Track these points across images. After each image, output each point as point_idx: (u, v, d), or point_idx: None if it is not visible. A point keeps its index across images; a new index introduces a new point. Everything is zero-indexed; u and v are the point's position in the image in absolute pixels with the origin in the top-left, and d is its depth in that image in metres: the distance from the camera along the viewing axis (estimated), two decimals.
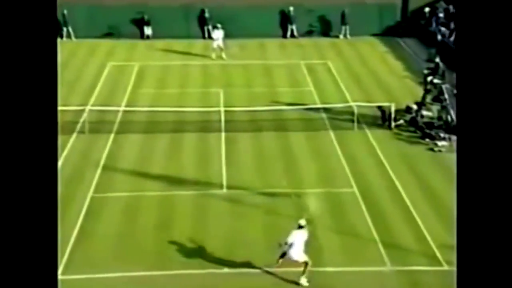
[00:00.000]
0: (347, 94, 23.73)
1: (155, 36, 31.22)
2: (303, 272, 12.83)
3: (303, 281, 12.86)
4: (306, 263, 12.81)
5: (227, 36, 31.08)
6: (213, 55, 27.92)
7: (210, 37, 31.60)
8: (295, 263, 12.83)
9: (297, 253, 12.79)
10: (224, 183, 17.10)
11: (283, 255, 12.93)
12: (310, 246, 14.15)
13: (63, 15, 31.01)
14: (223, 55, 27.83)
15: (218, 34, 28.19)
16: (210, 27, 31.61)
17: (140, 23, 31.51)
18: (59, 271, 13.17)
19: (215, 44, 28.02)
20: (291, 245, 12.72)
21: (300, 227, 12.91)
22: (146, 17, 31.23)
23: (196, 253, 13.93)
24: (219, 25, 28.39)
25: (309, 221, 13.32)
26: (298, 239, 12.77)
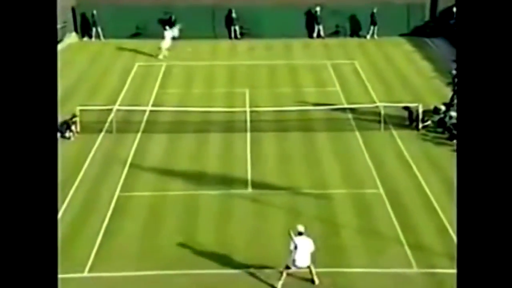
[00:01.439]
0: (373, 95, 23.55)
1: (182, 36, 31.42)
2: (312, 274, 12.61)
3: (279, 284, 12.60)
4: (309, 268, 12.64)
5: (254, 36, 31.14)
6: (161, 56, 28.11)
7: (236, 37, 31.72)
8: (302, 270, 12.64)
9: (304, 260, 12.55)
10: (249, 183, 17.12)
11: (287, 267, 12.65)
12: (335, 247, 14.09)
13: (93, 15, 31.42)
14: (161, 56, 28.03)
15: (172, 33, 28.52)
16: (237, 28, 31.70)
17: (167, 23, 31.74)
18: (86, 269, 13.35)
19: (166, 44, 28.27)
20: (295, 254, 12.46)
21: (300, 233, 12.63)
22: (173, 17, 31.44)
23: (220, 253, 13.97)
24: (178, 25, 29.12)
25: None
26: (301, 245, 12.46)
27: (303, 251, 12.53)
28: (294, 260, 12.56)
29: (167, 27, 28.87)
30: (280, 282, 12.74)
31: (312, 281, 12.82)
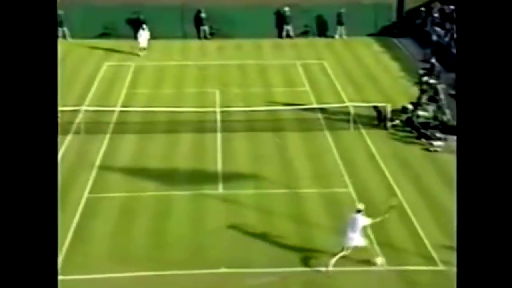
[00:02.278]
0: (343, 94, 23.76)
1: (151, 36, 31.18)
2: (372, 255, 13.24)
3: (379, 260, 13.23)
4: (366, 248, 13.18)
5: (224, 36, 31.12)
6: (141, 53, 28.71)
7: (205, 37, 31.63)
8: (355, 250, 13.12)
9: (357, 239, 13.09)
10: (220, 183, 17.10)
11: (344, 247, 13.18)
12: (308, 247, 14.17)
13: (59, 15, 30.93)
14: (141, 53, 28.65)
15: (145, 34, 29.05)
16: (206, 28, 31.63)
17: (135, 23, 31.47)
18: None
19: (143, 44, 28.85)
20: (351, 231, 13.03)
21: (358, 211, 13.23)
22: (141, 17, 31.19)
23: (192, 253, 13.92)
24: (145, 26, 29.29)
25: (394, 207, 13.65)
26: (357, 224, 13.06)
27: (357, 229, 13.05)
28: (349, 238, 13.02)
29: (144, 26, 29.17)
30: (334, 259, 13.03)
31: (369, 261, 13.27)
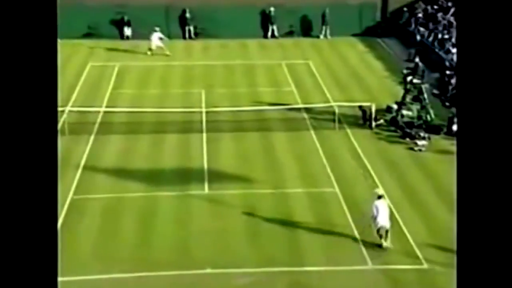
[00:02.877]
0: (328, 94, 23.84)
1: (135, 36, 31.06)
2: (386, 238, 13.84)
3: (388, 243, 13.86)
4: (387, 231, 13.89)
5: (209, 36, 31.07)
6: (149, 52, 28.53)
7: (190, 37, 31.56)
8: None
9: (386, 221, 13.82)
10: (206, 183, 17.08)
11: (378, 230, 13.90)
12: (293, 246, 14.23)
13: None
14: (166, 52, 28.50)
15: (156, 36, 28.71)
16: (191, 28, 31.58)
17: (120, 23, 31.32)
18: None
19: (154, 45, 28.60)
20: (378, 216, 13.72)
21: (379, 197, 14.01)
22: (126, 17, 31.05)
23: (178, 253, 13.89)
24: (157, 28, 28.86)
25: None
26: (382, 208, 13.79)
27: (384, 213, 13.85)
28: (378, 222, 13.79)
29: (156, 29, 28.74)
30: (384, 242, 13.85)
31: (380, 246, 13.91)
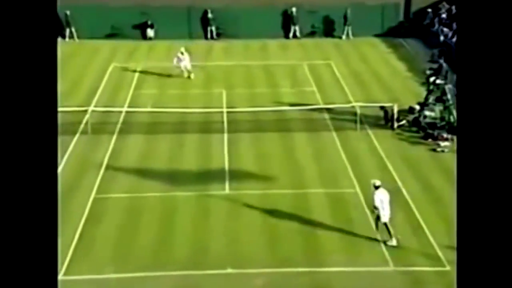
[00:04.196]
0: (349, 95, 23.71)
1: (158, 37, 31.27)
2: (389, 232, 13.83)
3: (393, 239, 13.86)
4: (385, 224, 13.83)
5: (231, 36, 31.15)
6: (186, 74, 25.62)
7: (212, 37, 31.66)
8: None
9: (388, 212, 13.79)
10: (227, 183, 17.10)
11: (378, 221, 13.89)
12: (313, 247, 14.17)
13: (66, 15, 31.07)
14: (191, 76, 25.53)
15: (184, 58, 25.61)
16: (213, 28, 31.68)
17: (143, 24, 31.55)
18: (61, 272, 13.20)
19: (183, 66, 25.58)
20: (381, 207, 13.70)
21: (376, 187, 13.87)
22: (148, 18, 31.26)
23: (198, 253, 13.93)
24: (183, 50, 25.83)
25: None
26: (384, 199, 13.72)
27: (387, 202, 13.83)
28: (384, 215, 13.76)
29: (183, 50, 25.85)
30: (391, 236, 13.85)
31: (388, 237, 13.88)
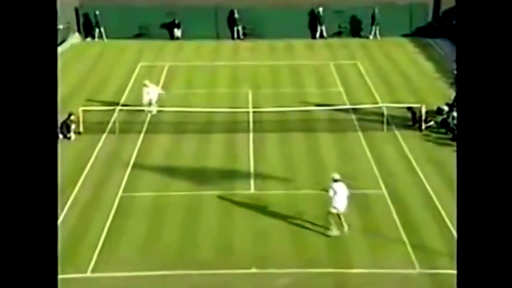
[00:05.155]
0: (376, 95, 23.52)
1: (185, 36, 31.46)
2: (341, 223, 14.14)
3: (346, 226, 14.25)
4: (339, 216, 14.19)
5: (257, 36, 31.18)
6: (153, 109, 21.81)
7: (239, 37, 31.74)
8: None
9: (343, 204, 14.13)
10: (252, 183, 17.11)
11: (332, 213, 14.26)
12: (338, 248, 14.10)
13: (95, 15, 31.47)
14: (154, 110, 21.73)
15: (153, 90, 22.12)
16: (239, 28, 31.74)
17: (170, 23, 31.78)
18: (89, 270, 13.37)
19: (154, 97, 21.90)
20: (335, 197, 14.05)
21: (335, 180, 14.30)
22: (176, 17, 31.48)
23: (223, 253, 13.97)
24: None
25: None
26: (339, 190, 14.07)
27: (341, 195, 14.23)
28: (335, 204, 14.23)
29: (146, 82, 22.31)
30: (333, 227, 14.27)
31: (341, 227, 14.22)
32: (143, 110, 21.74)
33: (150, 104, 21.85)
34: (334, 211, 14.30)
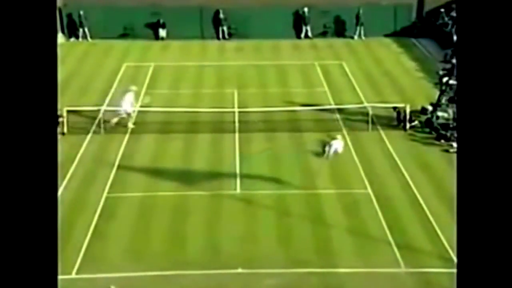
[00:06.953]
0: (361, 95, 23.64)
1: (170, 36, 31.36)
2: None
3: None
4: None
5: (243, 36, 31.17)
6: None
7: (224, 37, 31.70)
8: None
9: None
10: (238, 183, 17.12)
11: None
12: (324, 247, 14.13)
13: (79, 15, 31.25)
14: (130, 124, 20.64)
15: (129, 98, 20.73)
16: (224, 28, 31.72)
17: (155, 24, 31.66)
18: (74, 271, 13.28)
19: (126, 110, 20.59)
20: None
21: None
22: (160, 17, 31.36)
23: (209, 253, 13.96)
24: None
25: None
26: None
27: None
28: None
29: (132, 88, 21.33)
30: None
31: None
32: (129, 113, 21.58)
33: (129, 114, 20.71)
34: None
